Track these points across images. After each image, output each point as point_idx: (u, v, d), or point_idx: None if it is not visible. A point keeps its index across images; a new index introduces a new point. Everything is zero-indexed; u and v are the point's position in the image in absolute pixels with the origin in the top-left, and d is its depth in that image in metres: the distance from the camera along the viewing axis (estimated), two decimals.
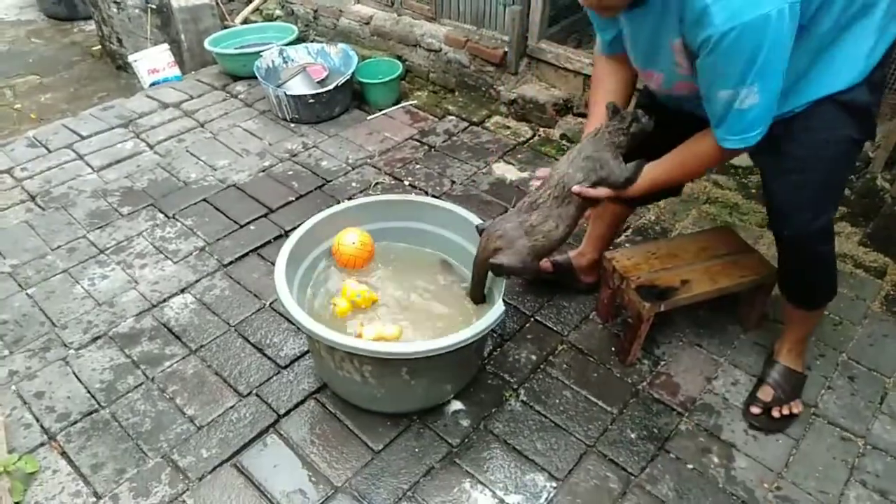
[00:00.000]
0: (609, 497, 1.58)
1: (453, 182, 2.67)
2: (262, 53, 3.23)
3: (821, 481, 1.61)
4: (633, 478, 1.62)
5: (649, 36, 1.39)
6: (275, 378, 1.86)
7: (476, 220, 1.85)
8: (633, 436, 1.72)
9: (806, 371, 1.82)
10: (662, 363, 1.91)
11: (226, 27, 3.84)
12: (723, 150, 1.40)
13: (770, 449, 1.69)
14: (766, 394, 1.76)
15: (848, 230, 2.36)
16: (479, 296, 1.80)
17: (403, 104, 3.21)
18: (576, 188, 1.55)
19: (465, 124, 3.06)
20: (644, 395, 1.82)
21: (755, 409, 1.75)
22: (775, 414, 1.72)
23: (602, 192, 1.57)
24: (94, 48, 4.82)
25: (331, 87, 2.98)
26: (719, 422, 1.75)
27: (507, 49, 3.01)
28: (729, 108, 1.30)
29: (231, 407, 1.79)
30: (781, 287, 1.75)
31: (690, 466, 1.65)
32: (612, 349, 1.95)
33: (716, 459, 1.67)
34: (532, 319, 2.05)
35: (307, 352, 1.91)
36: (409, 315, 1.81)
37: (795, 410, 1.74)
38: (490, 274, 1.71)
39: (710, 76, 1.30)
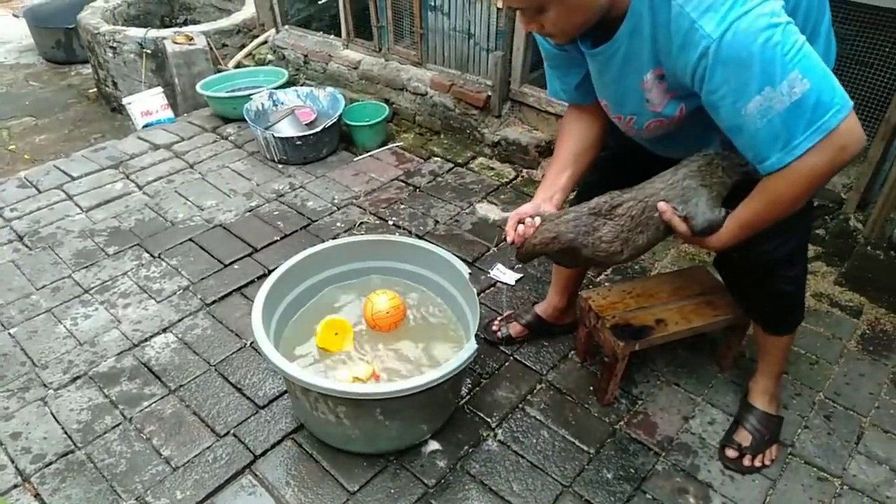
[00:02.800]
0: None
1: (437, 222, 2.71)
2: (252, 96, 3.31)
3: None
4: None
5: (616, 76, 1.30)
6: (252, 418, 1.86)
7: (458, 263, 1.87)
8: (609, 476, 1.71)
9: (782, 412, 1.83)
10: (640, 402, 1.92)
11: (219, 71, 3.93)
12: (812, 165, 1.12)
13: (747, 489, 1.69)
14: (743, 438, 1.75)
15: (823, 270, 2.39)
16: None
17: (390, 146, 3.27)
18: (662, 205, 1.34)
19: (450, 165, 3.12)
20: (621, 435, 1.83)
21: (731, 453, 1.74)
22: (746, 463, 1.72)
23: (683, 227, 1.34)
24: (90, 91, 4.93)
25: (318, 129, 3.05)
26: (696, 462, 1.75)
27: (490, 93, 3.09)
28: (770, 112, 1.08)
29: (208, 447, 1.78)
30: (750, 314, 1.76)
31: None
32: (590, 388, 1.96)
33: (692, 500, 1.66)
34: (511, 358, 2.06)
35: (285, 392, 1.92)
36: (386, 355, 1.83)
37: (768, 461, 1.73)
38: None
39: (728, 97, 1.11)
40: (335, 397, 1.53)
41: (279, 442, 1.80)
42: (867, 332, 2.15)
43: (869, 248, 2.27)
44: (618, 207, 1.39)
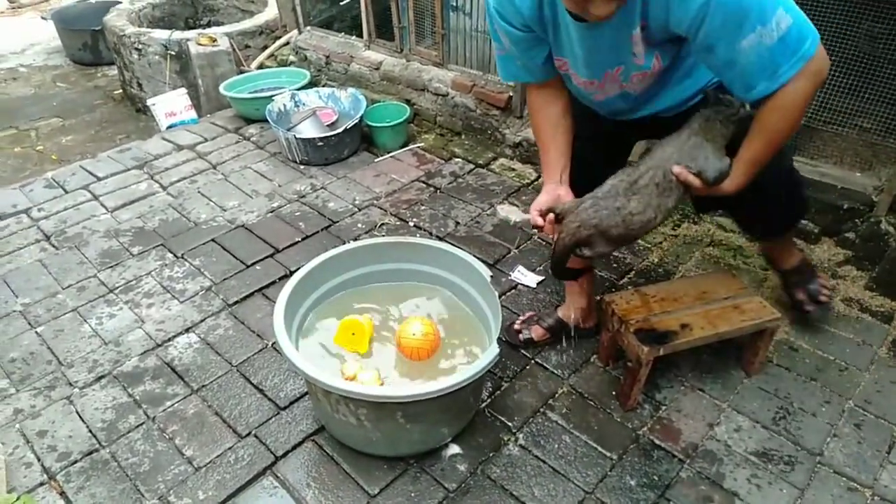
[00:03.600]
0: None
1: (458, 223, 2.70)
2: (273, 97, 3.33)
3: None
4: None
5: (613, 36, 1.36)
6: (274, 419, 1.87)
7: (479, 265, 1.86)
8: (632, 483, 1.69)
9: (800, 255, 2.09)
10: (664, 408, 1.89)
11: (241, 72, 3.96)
12: (796, 90, 1.28)
13: (773, 498, 1.65)
14: (802, 293, 2.06)
15: (853, 274, 2.34)
16: (565, 273, 1.68)
17: (411, 147, 3.27)
18: (676, 168, 1.44)
19: (471, 166, 3.11)
20: (644, 441, 1.80)
21: (809, 307, 2.06)
22: (822, 299, 2.05)
23: (698, 182, 1.45)
24: (116, 92, 5.00)
25: (339, 130, 3.06)
26: (721, 469, 1.72)
27: (512, 94, 3.07)
28: (760, 47, 1.24)
29: (229, 448, 1.79)
30: (775, 230, 1.93)
31: None
32: (613, 393, 1.93)
33: None
34: (532, 362, 2.04)
35: (306, 393, 1.92)
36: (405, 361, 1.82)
37: (828, 288, 2.08)
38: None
39: (725, 37, 1.24)
40: (356, 400, 1.53)
41: (300, 443, 1.80)
42: None
43: None
44: (638, 180, 1.47)
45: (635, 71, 1.44)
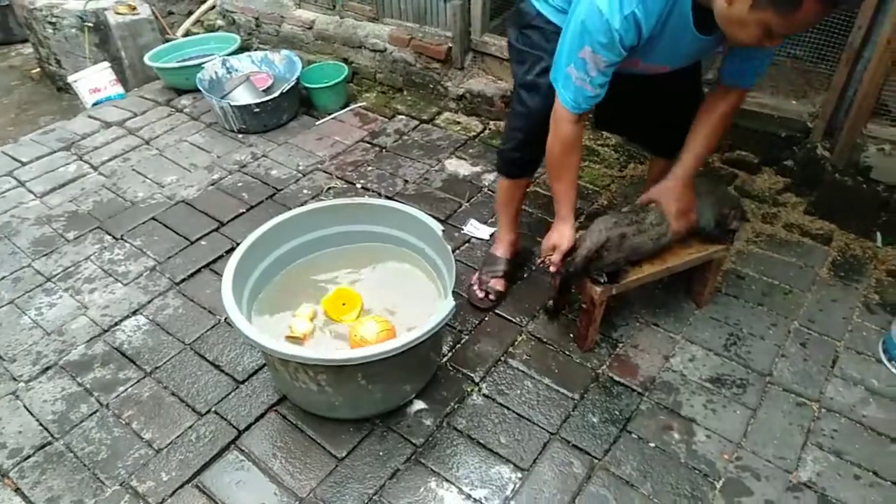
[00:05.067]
0: (575, 482, 1.59)
1: (406, 181, 2.66)
2: (204, 65, 3.17)
3: (779, 447, 1.65)
4: (596, 461, 1.63)
5: (719, 42, 1.47)
6: (233, 393, 1.83)
7: (430, 221, 1.84)
8: (595, 420, 1.73)
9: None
10: (620, 345, 1.93)
11: (167, 41, 3.77)
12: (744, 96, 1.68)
13: (728, 420, 1.72)
14: None
15: (793, 200, 2.41)
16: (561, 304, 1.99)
17: (352, 107, 3.18)
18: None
19: (416, 123, 3.05)
20: (604, 379, 1.84)
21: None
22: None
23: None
24: (34, 71, 4.69)
25: (276, 94, 2.95)
26: (679, 398, 1.78)
27: (451, 45, 3.01)
28: (771, 52, 1.56)
29: (190, 427, 1.75)
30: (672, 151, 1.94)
31: (653, 445, 1.67)
32: (571, 336, 1.96)
33: (676, 436, 1.69)
34: (491, 313, 2.05)
35: (264, 365, 1.89)
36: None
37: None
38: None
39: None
40: (315, 366, 1.51)
41: (262, 415, 1.77)
42: (838, 258, 2.18)
43: (837, 175, 2.28)
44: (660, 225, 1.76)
45: (708, 58, 1.66)
